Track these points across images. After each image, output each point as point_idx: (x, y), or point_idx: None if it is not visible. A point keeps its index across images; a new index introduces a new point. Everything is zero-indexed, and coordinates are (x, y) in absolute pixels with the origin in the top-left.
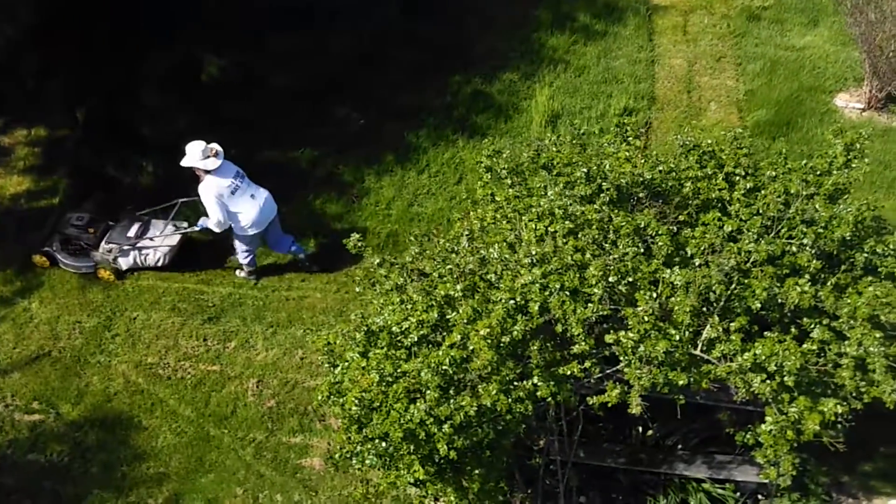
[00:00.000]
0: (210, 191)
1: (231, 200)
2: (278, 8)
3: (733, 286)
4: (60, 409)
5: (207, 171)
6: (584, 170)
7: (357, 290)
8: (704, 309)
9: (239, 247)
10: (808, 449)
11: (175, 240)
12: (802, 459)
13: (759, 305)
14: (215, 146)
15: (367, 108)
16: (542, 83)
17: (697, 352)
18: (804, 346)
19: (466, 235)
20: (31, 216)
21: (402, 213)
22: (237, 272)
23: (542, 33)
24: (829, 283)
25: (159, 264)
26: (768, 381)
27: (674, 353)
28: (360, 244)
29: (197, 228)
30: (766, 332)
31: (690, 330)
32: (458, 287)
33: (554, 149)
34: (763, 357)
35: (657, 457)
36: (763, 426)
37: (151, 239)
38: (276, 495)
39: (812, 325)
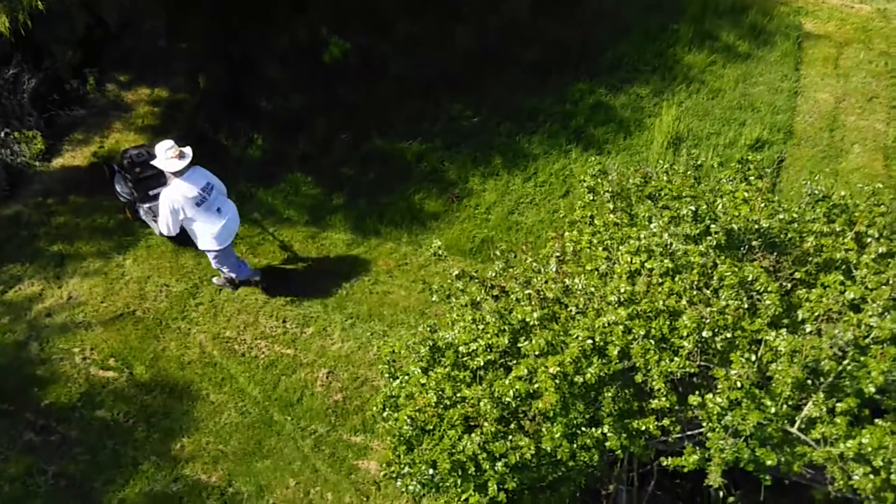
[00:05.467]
0: (169, 197)
1: (196, 212)
2: None
3: (846, 362)
4: (134, 369)
5: (175, 174)
6: (693, 207)
7: (433, 299)
8: (810, 382)
9: (217, 265)
10: None
11: None
12: None
13: (872, 390)
14: (186, 150)
15: (482, 106)
16: (671, 102)
17: (794, 430)
18: None
19: (556, 258)
20: None
21: (500, 220)
22: (214, 279)
23: (678, 49)
24: None
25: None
26: (871, 476)
27: (766, 428)
28: (440, 252)
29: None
30: (877, 420)
31: (790, 404)
32: (536, 315)
33: (664, 178)
34: (870, 448)
35: None
36: None
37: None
38: (327, 493)
39: None
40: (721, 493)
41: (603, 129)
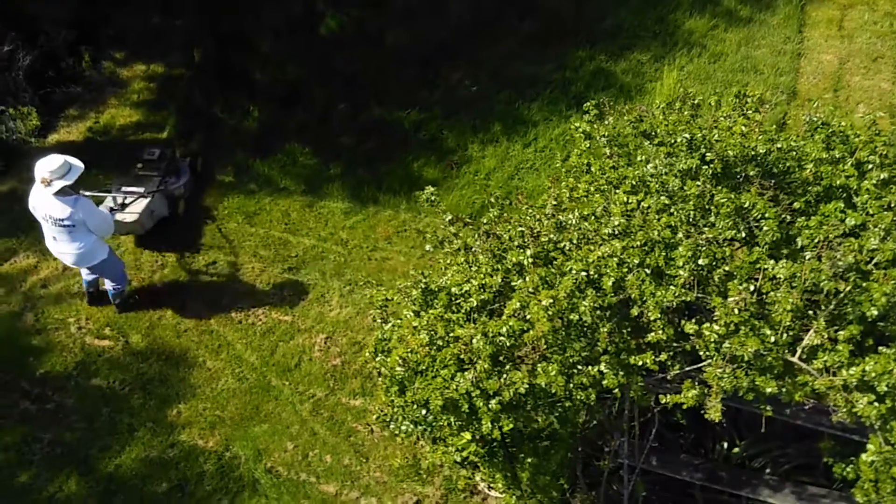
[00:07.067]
0: (31, 192)
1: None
2: None
3: (848, 288)
4: (130, 338)
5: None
6: (688, 135)
7: (427, 247)
8: (810, 312)
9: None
10: None
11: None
12: None
13: (875, 313)
14: (56, 184)
15: (480, 75)
16: (672, 66)
17: (795, 359)
18: None
19: (553, 205)
20: (133, 149)
21: (500, 185)
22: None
23: (679, 14)
24: None
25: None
26: (876, 404)
27: (766, 357)
28: (434, 198)
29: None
30: (881, 348)
31: (790, 333)
32: (528, 253)
33: (660, 116)
34: (873, 375)
35: (740, 478)
36: (864, 456)
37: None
38: (325, 455)
39: None
40: (725, 444)
41: (603, 94)
